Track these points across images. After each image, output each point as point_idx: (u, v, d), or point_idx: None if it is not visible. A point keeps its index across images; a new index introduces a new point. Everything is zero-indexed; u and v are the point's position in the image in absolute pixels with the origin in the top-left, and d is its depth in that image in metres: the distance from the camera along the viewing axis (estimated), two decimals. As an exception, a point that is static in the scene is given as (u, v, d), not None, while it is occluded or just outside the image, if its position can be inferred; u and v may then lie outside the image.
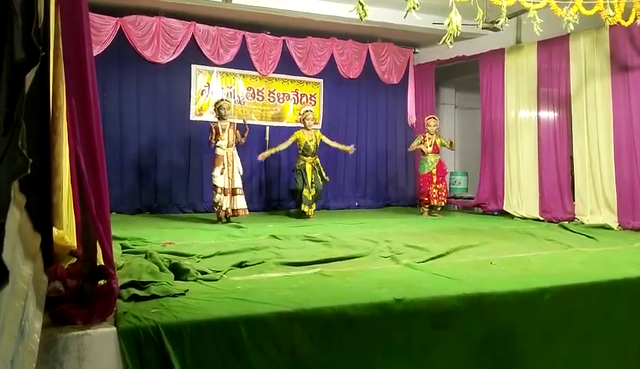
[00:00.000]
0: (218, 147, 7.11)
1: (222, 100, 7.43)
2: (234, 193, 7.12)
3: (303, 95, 9.61)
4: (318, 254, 4.45)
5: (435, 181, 8.53)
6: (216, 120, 7.32)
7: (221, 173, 7.01)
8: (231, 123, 7.28)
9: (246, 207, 7.20)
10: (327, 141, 8.19)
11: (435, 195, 8.52)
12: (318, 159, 8.07)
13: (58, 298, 2.58)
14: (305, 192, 7.80)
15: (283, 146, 8.03)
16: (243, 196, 7.19)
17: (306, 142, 7.89)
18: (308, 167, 7.89)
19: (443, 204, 8.73)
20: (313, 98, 9.71)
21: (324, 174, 8.06)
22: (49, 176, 3.10)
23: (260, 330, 2.65)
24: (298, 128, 8.12)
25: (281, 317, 2.71)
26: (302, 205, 7.84)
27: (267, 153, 8.07)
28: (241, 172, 7.24)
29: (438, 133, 8.78)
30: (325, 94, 9.76)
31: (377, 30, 9.16)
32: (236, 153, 7.23)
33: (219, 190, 6.98)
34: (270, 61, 9.21)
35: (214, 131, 7.13)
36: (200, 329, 2.55)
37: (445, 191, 8.70)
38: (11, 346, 1.48)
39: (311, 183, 7.83)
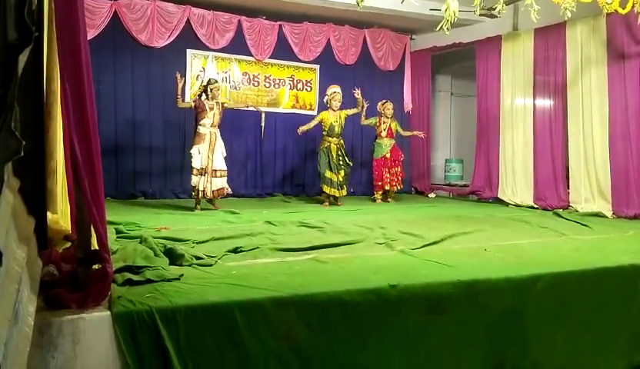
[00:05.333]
0: (202, 125, 6.81)
1: (215, 81, 7.09)
2: (213, 175, 6.78)
3: (299, 81, 9.57)
4: (312, 240, 4.45)
5: (389, 165, 8.53)
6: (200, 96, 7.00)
7: (199, 152, 6.73)
8: (217, 104, 6.95)
9: (226, 186, 6.93)
10: (351, 112, 7.99)
11: (387, 180, 8.49)
12: (342, 141, 7.94)
13: (52, 282, 2.58)
14: (329, 174, 7.65)
15: (311, 125, 7.87)
16: (224, 178, 6.88)
17: (331, 123, 7.72)
18: (333, 148, 7.74)
19: (397, 188, 8.64)
20: (309, 84, 9.66)
21: (347, 158, 7.91)
22: (43, 160, 3.09)
23: (255, 315, 2.66)
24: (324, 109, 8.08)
25: (276, 302, 2.72)
26: (325, 187, 7.70)
27: (305, 128, 7.85)
28: (224, 154, 6.95)
29: (394, 118, 8.76)
30: (321, 80, 9.70)
31: (374, 16, 9.09)
32: (219, 135, 6.93)
33: (195, 171, 6.71)
34: (266, 47, 9.14)
35: (197, 105, 6.82)
36: (195, 314, 2.56)
37: (400, 175, 8.64)
38: (5, 329, 1.48)
39: (338, 164, 7.69)
